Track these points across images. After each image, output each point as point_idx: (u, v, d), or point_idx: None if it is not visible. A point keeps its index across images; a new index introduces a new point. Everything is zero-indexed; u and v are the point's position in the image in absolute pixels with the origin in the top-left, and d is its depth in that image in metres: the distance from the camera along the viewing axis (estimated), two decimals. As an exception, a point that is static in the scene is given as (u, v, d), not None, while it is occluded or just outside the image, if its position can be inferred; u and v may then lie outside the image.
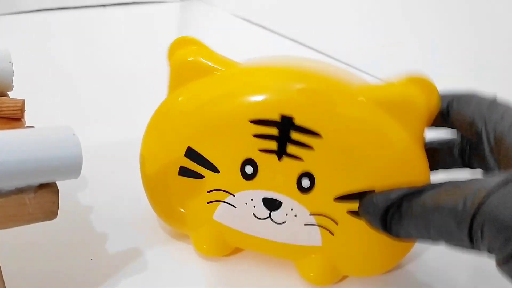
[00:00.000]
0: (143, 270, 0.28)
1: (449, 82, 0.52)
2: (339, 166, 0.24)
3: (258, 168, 0.25)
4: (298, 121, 0.23)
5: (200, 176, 0.26)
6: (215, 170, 0.25)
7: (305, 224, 0.25)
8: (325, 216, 0.25)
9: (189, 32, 0.69)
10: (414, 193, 0.22)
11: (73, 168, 0.20)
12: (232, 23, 0.72)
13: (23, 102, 0.24)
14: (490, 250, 0.19)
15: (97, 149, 0.37)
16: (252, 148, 0.24)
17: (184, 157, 0.26)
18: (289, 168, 0.24)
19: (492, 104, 0.24)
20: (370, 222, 0.24)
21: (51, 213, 0.21)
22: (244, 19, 0.72)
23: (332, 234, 0.25)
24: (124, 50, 0.58)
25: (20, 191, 0.20)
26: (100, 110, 0.44)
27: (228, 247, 0.28)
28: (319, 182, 0.24)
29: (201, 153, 0.25)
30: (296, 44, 0.66)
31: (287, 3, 0.68)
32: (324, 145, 0.23)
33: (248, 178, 0.25)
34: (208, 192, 0.26)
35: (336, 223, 0.25)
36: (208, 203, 0.26)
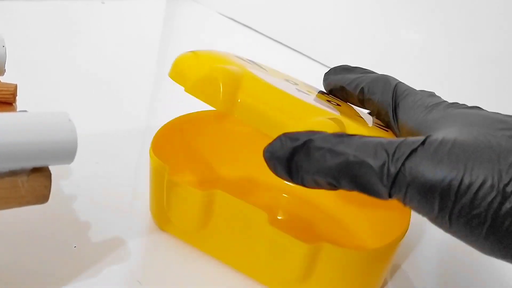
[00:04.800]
0: (126, 258, 0.28)
1: (441, 82, 0.53)
2: None
3: None
4: None
5: None
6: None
7: (328, 107, 0.27)
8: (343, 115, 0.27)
9: (175, 29, 0.69)
10: (327, 138, 0.21)
11: (68, 153, 0.20)
12: (217, 22, 0.73)
13: (16, 86, 0.25)
14: (416, 209, 0.20)
15: (81, 139, 0.37)
16: None
17: None
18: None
19: (396, 89, 0.27)
20: (274, 167, 0.23)
21: (43, 197, 0.21)
22: (229, 18, 0.73)
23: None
24: (110, 44, 0.58)
25: (13, 173, 0.20)
26: (84, 101, 0.44)
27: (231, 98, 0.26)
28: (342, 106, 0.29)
29: None
30: (279, 45, 0.67)
31: (272, 4, 0.68)
32: None
33: None
34: None
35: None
36: None
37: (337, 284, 0.27)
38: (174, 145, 0.33)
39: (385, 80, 0.28)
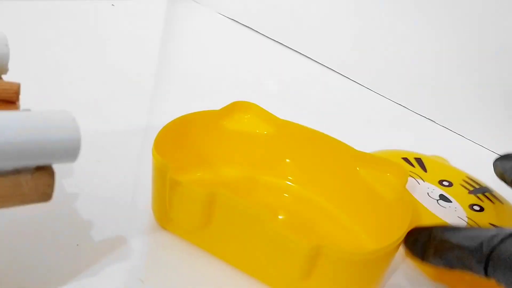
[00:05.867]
0: (128, 257, 0.29)
1: (442, 87, 0.54)
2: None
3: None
4: None
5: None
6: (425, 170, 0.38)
7: (458, 216, 0.34)
8: (473, 221, 0.34)
9: (175, 29, 0.69)
10: (443, 230, 0.28)
11: (71, 152, 0.20)
12: (217, 22, 0.73)
13: (19, 85, 0.25)
14: (501, 285, 0.24)
15: (82, 138, 0.37)
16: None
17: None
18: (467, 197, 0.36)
19: None
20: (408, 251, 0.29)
21: (46, 195, 0.21)
22: (230, 18, 0.73)
23: None
24: (111, 44, 0.58)
25: (17, 172, 0.20)
26: (85, 100, 0.44)
27: None
28: (486, 211, 0.35)
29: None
30: (280, 46, 0.67)
31: (273, 4, 0.68)
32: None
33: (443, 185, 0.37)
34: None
35: None
36: None
37: (338, 284, 0.27)
38: (176, 144, 0.33)
39: None
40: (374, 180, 0.32)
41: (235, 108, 0.36)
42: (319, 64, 0.64)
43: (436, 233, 0.28)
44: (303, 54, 0.65)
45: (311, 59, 0.65)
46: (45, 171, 0.21)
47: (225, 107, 0.35)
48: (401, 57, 0.57)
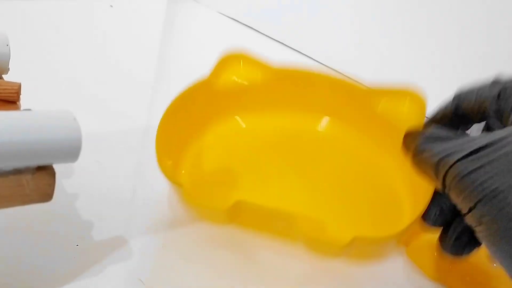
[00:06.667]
0: (127, 257, 0.29)
1: (440, 84, 0.53)
2: None
3: None
4: None
5: None
6: None
7: None
8: None
9: (175, 29, 0.69)
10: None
11: (72, 152, 0.20)
12: (218, 22, 0.73)
13: (20, 85, 0.25)
14: (455, 201, 0.23)
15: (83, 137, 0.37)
16: None
17: None
18: None
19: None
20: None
21: (47, 195, 0.21)
22: (230, 18, 0.73)
23: None
24: (111, 44, 0.58)
25: (18, 172, 0.20)
26: (85, 101, 0.44)
27: None
28: None
29: None
30: (280, 45, 0.67)
31: (273, 4, 0.68)
32: None
33: None
34: None
35: None
36: None
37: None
38: (177, 144, 0.33)
39: None
40: (390, 115, 0.32)
41: (224, 66, 0.36)
42: (320, 64, 0.63)
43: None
44: (304, 54, 0.65)
45: (313, 59, 0.64)
46: (46, 171, 0.21)
47: (214, 69, 0.36)
48: (404, 57, 0.57)
